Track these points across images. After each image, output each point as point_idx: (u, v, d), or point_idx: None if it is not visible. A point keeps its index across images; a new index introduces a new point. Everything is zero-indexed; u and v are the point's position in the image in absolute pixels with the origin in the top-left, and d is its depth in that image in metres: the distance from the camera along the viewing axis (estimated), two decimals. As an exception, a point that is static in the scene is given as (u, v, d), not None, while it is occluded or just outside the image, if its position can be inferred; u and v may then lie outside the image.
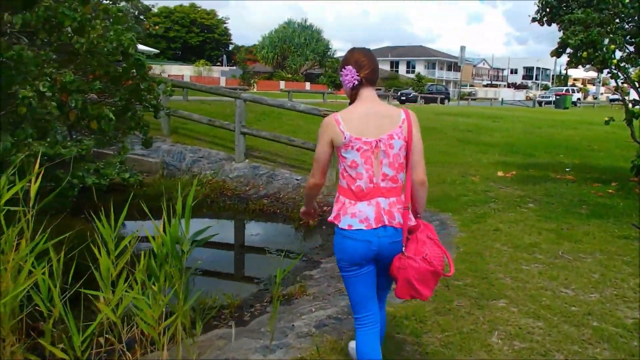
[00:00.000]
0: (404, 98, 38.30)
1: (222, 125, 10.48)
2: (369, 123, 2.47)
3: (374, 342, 2.64)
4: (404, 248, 2.52)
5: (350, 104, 2.57)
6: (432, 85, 48.94)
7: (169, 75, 30.23)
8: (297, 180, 9.28)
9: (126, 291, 2.74)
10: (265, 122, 13.46)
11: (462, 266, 4.88)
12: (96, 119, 4.83)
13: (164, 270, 2.78)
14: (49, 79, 4.30)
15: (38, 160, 3.00)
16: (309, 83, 46.87)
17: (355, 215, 2.48)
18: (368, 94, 2.53)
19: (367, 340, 2.64)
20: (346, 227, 2.48)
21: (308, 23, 54.50)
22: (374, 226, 2.46)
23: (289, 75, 49.66)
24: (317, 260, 6.24)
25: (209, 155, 10.40)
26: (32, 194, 2.86)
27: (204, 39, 64.92)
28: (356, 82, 2.49)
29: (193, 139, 11.20)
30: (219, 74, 47.29)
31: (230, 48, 69.89)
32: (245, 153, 10.18)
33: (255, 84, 42.38)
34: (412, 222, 2.55)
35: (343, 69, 2.52)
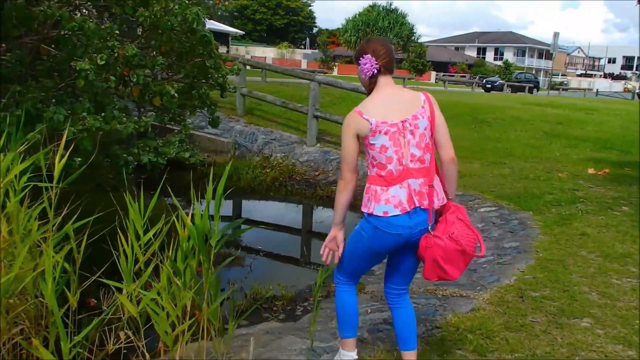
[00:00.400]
0: (489, 86, 36.60)
1: (296, 107, 10.25)
2: (392, 107, 2.47)
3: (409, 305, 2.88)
4: (430, 228, 2.52)
5: (368, 94, 2.56)
6: (520, 73, 46.53)
7: (252, 57, 30.54)
8: (368, 167, 8.90)
9: (150, 284, 2.51)
10: (340, 105, 13.12)
11: (541, 275, 4.34)
12: (159, 95, 4.68)
13: (190, 265, 2.52)
14: (111, 52, 4.17)
15: (64, 136, 2.81)
16: (390, 68, 45.81)
17: (389, 201, 2.44)
18: (386, 81, 2.52)
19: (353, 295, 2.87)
20: (381, 214, 2.45)
21: (393, 7, 53.21)
22: (408, 209, 2.43)
23: (372, 60, 48.71)
24: (381, 255, 5.86)
25: (281, 138, 10.22)
26: (57, 171, 2.67)
27: (288, 21, 65.27)
28: (375, 71, 2.47)
29: (266, 121, 11.06)
30: (301, 56, 47.35)
31: (314, 31, 69.87)
32: (317, 137, 9.91)
33: (335, 68, 42.02)
34: (441, 200, 2.56)
35: (361, 58, 2.50)
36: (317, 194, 8.43)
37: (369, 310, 3.98)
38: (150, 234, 2.63)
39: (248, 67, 11.95)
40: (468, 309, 3.84)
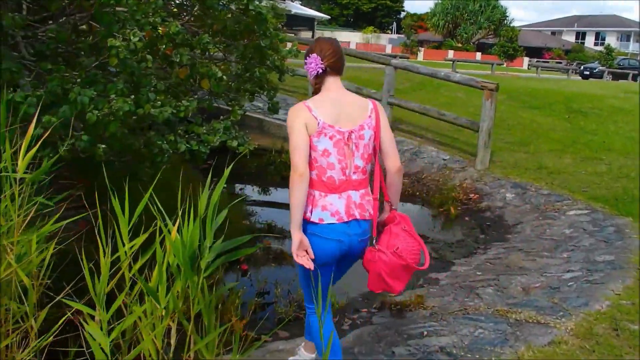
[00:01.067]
0: (587, 73, 33.80)
1: (370, 94, 9.61)
2: (341, 112, 2.39)
3: (331, 324, 2.70)
4: (375, 242, 2.50)
5: (314, 93, 2.46)
6: (624, 59, 42.66)
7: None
8: (443, 160, 8.16)
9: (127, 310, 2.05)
10: (420, 92, 12.33)
11: (642, 301, 3.54)
12: (207, 77, 4.27)
13: (172, 289, 2.03)
14: (153, 29, 3.79)
15: (32, 123, 2.40)
16: (479, 53, 43.55)
17: (326, 208, 2.39)
18: (334, 83, 2.44)
19: (327, 322, 2.63)
20: (317, 221, 2.38)
21: (485, -11, 50.59)
22: (345, 219, 2.40)
23: (459, 45, 46.74)
24: (450, 261, 5.19)
25: (353, 125, 9.64)
26: (22, 164, 2.27)
27: (376, 5, 63.92)
28: (320, 70, 2.39)
29: (339, 107, 10.51)
30: (386, 41, 46.19)
31: (401, 15, 68.10)
32: (391, 125, 9.23)
33: (418, 52, 40.57)
34: (385, 213, 2.58)
35: (307, 58, 2.42)
36: (387, 187, 7.81)
37: (425, 333, 3.38)
38: (139, 240, 2.16)
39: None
40: (546, 340, 3.16)
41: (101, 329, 1.85)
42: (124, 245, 2.07)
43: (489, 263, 4.86)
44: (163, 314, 1.87)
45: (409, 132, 9.30)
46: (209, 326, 1.98)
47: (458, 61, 24.36)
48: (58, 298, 2.09)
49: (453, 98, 11.99)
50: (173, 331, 1.96)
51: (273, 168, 8.69)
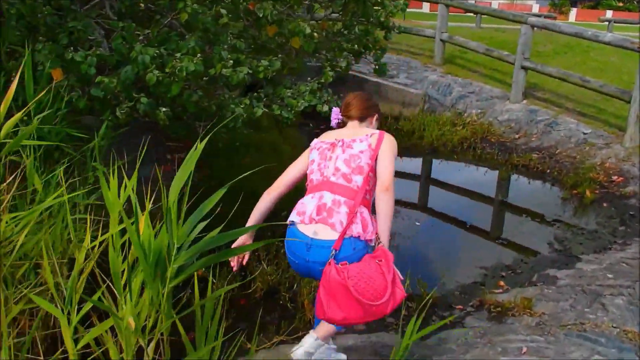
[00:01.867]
0: None
1: (501, 56, 8.57)
2: (337, 132, 2.50)
3: None
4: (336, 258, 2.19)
5: None
6: None
7: (476, 2, 27.93)
8: (584, 134, 7.00)
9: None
10: (565, 56, 10.83)
11: None
12: (296, 35, 3.83)
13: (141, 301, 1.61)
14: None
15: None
16: (646, 13, 38.17)
17: (296, 208, 2.35)
18: (351, 125, 2.55)
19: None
20: (288, 223, 2.35)
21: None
22: (307, 222, 2.25)
23: (620, 4, 41.26)
24: (575, 256, 4.33)
25: (480, 91, 8.69)
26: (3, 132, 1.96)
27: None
28: (338, 121, 2.58)
29: (467, 71, 9.55)
30: (533, 1, 42.25)
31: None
32: (524, 92, 8.17)
33: (569, 12, 36.43)
34: (368, 234, 2.25)
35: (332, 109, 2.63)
36: (512, 162, 6.89)
37: (524, 349, 2.73)
38: (113, 231, 1.77)
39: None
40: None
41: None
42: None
43: (625, 264, 3.95)
44: (128, 329, 1.50)
45: (545, 99, 8.14)
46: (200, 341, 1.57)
47: (616, 22, 21.40)
48: (25, 292, 1.80)
49: (604, 63, 10.36)
50: (148, 350, 1.59)
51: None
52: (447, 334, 3.07)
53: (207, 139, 1.79)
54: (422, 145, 7.60)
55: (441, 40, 9.65)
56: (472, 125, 7.99)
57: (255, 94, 3.56)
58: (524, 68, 7.97)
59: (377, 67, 4.91)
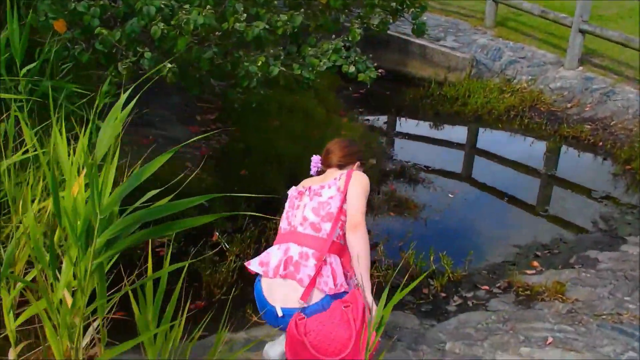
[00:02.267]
0: None
1: (557, 18, 7.93)
2: (309, 180, 2.35)
3: None
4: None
5: None
6: None
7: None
8: (644, 104, 6.43)
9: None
10: (630, 20, 9.93)
11: None
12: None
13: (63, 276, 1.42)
14: None
15: None
16: None
17: (260, 257, 2.16)
18: (329, 172, 2.35)
19: None
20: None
21: None
22: (270, 275, 2.06)
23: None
24: (621, 237, 3.96)
25: (532, 57, 8.11)
26: None
27: None
28: (317, 169, 2.45)
29: (520, 34, 8.93)
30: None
31: None
32: (580, 58, 7.56)
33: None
34: (337, 287, 2.03)
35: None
36: (561, 132, 6.42)
37: (550, 340, 2.46)
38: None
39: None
40: None
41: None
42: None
43: (676, 249, 3.57)
44: (64, 307, 1.34)
45: (603, 67, 7.52)
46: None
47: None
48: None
49: (674, 28, 9.50)
50: (90, 329, 1.43)
51: (429, 101, 7.73)
52: (467, 316, 2.84)
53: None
54: (466, 113, 7.18)
55: (493, 0, 9.03)
56: (521, 93, 7.49)
57: (272, 51, 3.31)
58: (582, 32, 7.34)
59: (414, 26, 4.55)
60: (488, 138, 6.70)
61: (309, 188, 2.20)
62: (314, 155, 2.46)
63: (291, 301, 2.01)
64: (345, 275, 2.09)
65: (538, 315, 2.75)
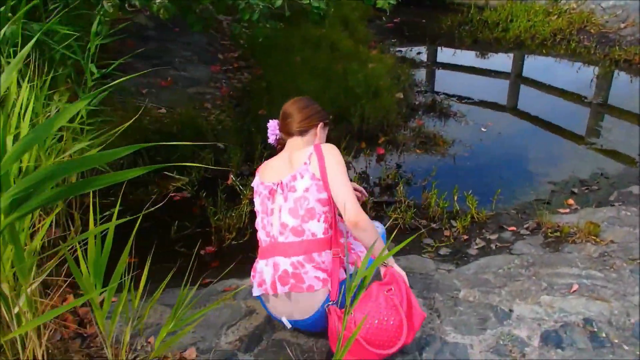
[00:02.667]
0: None
1: None
2: (275, 166, 2.01)
3: None
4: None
5: None
6: None
7: None
8: None
9: None
10: None
11: None
12: None
13: None
14: None
15: None
16: None
17: (254, 277, 1.97)
18: (290, 143, 2.07)
19: None
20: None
21: None
22: (271, 293, 1.90)
23: None
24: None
25: (583, -27, 7.38)
26: None
27: None
28: (276, 137, 2.13)
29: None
30: None
31: None
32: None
33: None
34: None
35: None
36: (612, 56, 5.88)
37: (575, 287, 2.24)
38: None
39: None
40: None
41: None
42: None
43: None
44: None
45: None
46: None
47: None
48: None
49: None
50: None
51: (467, 28, 7.22)
52: (488, 261, 2.64)
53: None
54: (507, 39, 6.68)
55: None
56: (569, 14, 6.89)
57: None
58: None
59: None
60: (530, 65, 6.22)
61: (280, 184, 1.92)
62: (270, 121, 2.14)
63: (298, 312, 1.90)
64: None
65: (566, 259, 2.52)
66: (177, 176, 3.58)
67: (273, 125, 2.11)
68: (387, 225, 3.13)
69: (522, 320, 2.07)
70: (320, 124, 2.06)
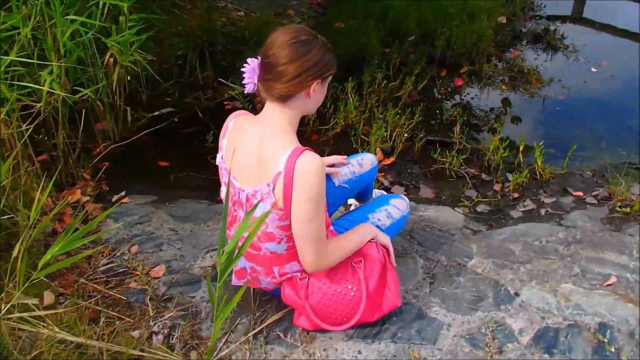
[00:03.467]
0: None
1: None
2: (246, 158, 1.48)
3: None
4: None
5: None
6: None
7: None
8: None
9: None
10: None
11: None
12: None
13: None
14: None
15: None
16: None
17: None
18: (267, 110, 1.46)
19: None
20: None
21: None
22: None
23: None
24: None
25: None
26: None
27: None
28: (254, 86, 1.46)
29: None
30: None
31: None
32: None
33: None
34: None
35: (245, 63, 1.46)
36: None
37: (612, 279, 1.81)
38: None
39: None
40: None
41: None
42: None
43: None
44: None
45: None
46: None
47: None
48: None
49: None
50: None
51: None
52: (527, 228, 2.23)
53: None
54: None
55: None
56: None
57: None
58: None
59: None
60: None
61: (240, 194, 1.50)
62: (250, 60, 1.45)
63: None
64: None
65: (621, 242, 2.04)
66: (232, 85, 3.45)
67: (252, 68, 1.45)
68: (432, 169, 2.79)
69: (525, 309, 1.73)
70: (317, 82, 1.42)
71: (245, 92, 1.47)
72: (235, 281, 1.70)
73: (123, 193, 2.54)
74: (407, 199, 1.91)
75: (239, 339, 1.65)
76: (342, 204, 2.08)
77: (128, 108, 3.13)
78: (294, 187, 1.38)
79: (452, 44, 3.75)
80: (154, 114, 3.22)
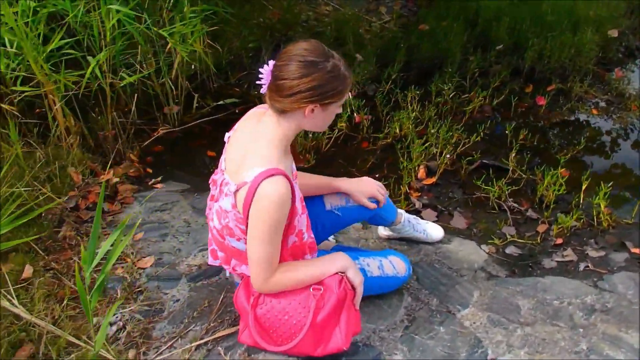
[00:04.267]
0: None
1: None
2: (238, 147, 1.48)
3: None
4: None
5: None
6: None
7: None
8: None
9: None
10: None
11: None
12: None
13: None
14: None
15: None
16: None
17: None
18: (263, 119, 1.46)
19: None
20: None
21: None
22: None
23: None
24: None
25: None
26: None
27: None
28: (267, 85, 1.41)
29: None
30: None
31: None
32: None
33: None
34: None
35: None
36: None
37: None
38: None
39: None
40: None
41: None
42: None
43: None
44: None
45: None
46: None
47: None
48: None
49: None
50: None
51: None
52: (552, 284, 1.92)
53: None
54: None
55: None
56: None
57: None
58: None
59: None
60: None
61: (215, 181, 1.55)
62: (270, 62, 1.40)
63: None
64: None
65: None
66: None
67: (268, 72, 1.40)
68: (475, 196, 2.52)
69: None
70: (315, 106, 1.36)
71: (262, 91, 1.43)
72: (211, 261, 1.67)
73: (159, 178, 2.63)
74: (409, 262, 1.75)
75: (183, 346, 1.63)
76: (334, 232, 1.95)
77: (196, 95, 3.23)
78: (252, 205, 1.36)
79: (544, 57, 3.35)
80: (218, 103, 3.29)
